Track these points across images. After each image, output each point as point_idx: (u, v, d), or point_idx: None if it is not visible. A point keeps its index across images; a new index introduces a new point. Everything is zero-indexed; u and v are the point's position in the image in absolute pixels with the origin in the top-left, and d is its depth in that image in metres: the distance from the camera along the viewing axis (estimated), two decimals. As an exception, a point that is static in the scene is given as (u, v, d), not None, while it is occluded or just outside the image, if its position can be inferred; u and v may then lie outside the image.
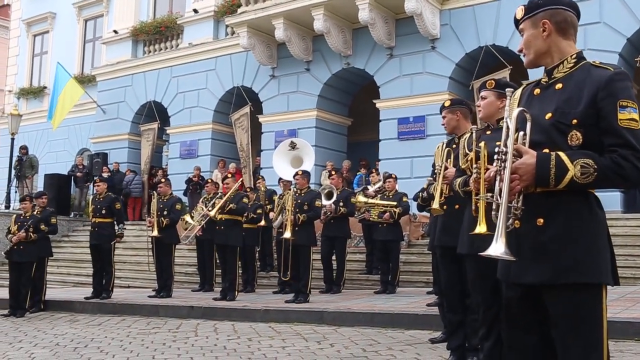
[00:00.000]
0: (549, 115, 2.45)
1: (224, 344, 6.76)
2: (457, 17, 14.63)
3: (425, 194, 6.72)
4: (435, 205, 4.85)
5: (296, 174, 9.94)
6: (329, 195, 10.18)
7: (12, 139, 20.25)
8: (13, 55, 26.38)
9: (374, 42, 15.28)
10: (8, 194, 19.72)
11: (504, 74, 12.76)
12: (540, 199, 2.41)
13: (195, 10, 19.20)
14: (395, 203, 10.08)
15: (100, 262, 10.95)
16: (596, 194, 2.47)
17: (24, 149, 20.38)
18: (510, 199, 2.40)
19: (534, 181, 2.38)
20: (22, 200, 11.15)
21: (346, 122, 17.53)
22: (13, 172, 19.99)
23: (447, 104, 5.18)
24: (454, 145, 4.99)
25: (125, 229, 11.49)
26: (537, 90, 2.60)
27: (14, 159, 19.96)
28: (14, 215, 11.09)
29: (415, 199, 10.07)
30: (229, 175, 11.06)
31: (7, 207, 19.11)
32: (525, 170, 2.37)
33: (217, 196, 10.83)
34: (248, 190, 12.46)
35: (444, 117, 5.14)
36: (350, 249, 12.75)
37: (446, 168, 4.85)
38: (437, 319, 6.55)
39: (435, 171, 5.01)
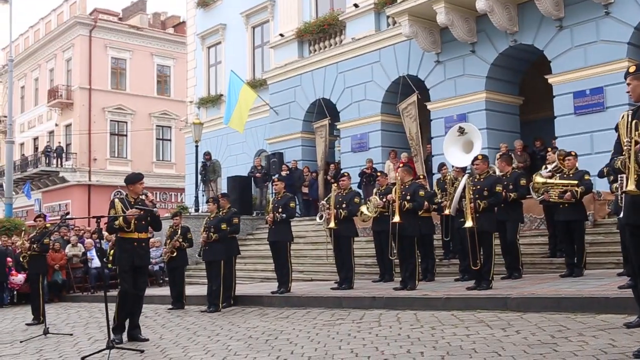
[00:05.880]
0: None
1: (408, 333, 6.81)
2: (632, -24, 13.58)
3: (607, 168, 6.25)
4: (631, 186, 4.48)
5: (476, 158, 9.68)
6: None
7: (196, 147, 21.69)
8: (191, 68, 28.15)
9: (541, 15, 14.60)
10: (196, 197, 21.14)
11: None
12: None
13: (356, 5, 19.40)
14: (576, 182, 9.60)
15: (278, 257, 11.42)
16: None
17: (207, 154, 21.82)
18: None
19: None
20: (207, 202, 11.91)
21: (517, 102, 16.90)
22: (199, 177, 21.45)
23: (632, 69, 4.80)
24: None
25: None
26: None
27: (199, 164, 21.40)
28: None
29: (600, 175, 9.52)
30: (401, 165, 11.07)
31: (197, 210, 20.47)
32: None
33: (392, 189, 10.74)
34: (422, 177, 12.46)
35: (628, 84, 4.78)
36: (531, 231, 12.36)
37: (637, 143, 4.47)
38: (632, 301, 6.14)
39: (624, 147, 4.62)
